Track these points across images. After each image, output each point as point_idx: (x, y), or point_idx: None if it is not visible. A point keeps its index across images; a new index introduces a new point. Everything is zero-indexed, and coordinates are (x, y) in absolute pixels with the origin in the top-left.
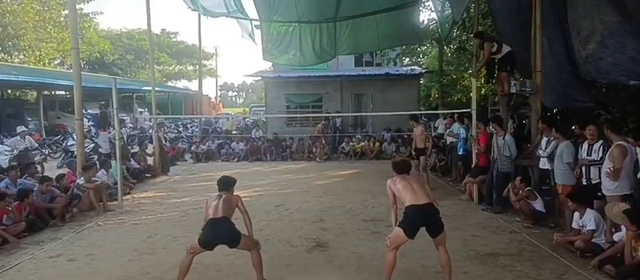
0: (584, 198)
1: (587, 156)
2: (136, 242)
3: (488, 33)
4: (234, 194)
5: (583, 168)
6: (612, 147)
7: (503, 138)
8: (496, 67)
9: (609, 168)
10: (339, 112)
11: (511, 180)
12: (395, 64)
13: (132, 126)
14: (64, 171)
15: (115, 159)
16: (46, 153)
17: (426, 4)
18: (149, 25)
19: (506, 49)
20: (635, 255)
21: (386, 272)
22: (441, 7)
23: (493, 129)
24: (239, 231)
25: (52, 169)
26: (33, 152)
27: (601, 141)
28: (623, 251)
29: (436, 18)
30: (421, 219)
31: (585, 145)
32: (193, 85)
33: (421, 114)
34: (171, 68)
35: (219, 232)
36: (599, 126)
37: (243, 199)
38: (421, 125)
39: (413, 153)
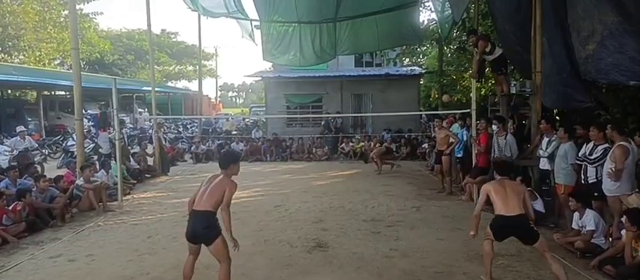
0: (585, 198)
1: (589, 155)
2: (136, 243)
3: (483, 32)
4: (232, 178)
5: (583, 167)
6: (614, 147)
7: (505, 138)
8: (487, 68)
9: (611, 169)
10: (339, 112)
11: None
12: (395, 65)
13: (132, 126)
14: (64, 171)
15: (115, 160)
16: (46, 153)
17: (426, 4)
18: (149, 25)
19: (498, 51)
20: (636, 256)
21: (485, 261)
22: (441, 7)
23: (494, 129)
24: (217, 232)
25: (52, 169)
26: (33, 152)
27: (606, 145)
28: (623, 251)
29: (436, 18)
30: (507, 230)
31: (590, 145)
32: (193, 86)
33: (421, 114)
34: (171, 68)
35: (194, 227)
36: (600, 127)
37: (242, 199)
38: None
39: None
